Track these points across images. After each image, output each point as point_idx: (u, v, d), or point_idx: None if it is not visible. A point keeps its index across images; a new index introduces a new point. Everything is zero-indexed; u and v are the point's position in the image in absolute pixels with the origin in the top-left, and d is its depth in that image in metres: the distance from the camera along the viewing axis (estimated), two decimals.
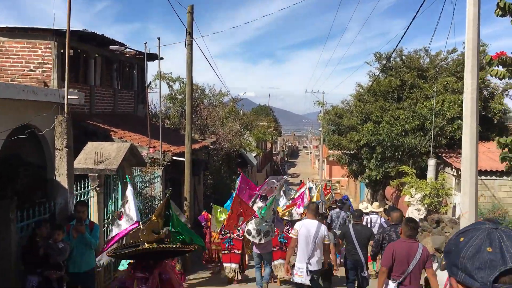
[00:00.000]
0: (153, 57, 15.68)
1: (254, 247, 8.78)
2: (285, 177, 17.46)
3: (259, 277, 8.81)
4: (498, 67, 5.63)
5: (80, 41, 12.17)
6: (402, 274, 5.49)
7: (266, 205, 8.79)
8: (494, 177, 15.70)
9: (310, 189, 14.45)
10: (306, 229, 6.97)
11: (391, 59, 20.77)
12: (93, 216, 7.60)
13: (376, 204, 12.65)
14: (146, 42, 11.47)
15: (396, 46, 15.63)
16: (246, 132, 24.15)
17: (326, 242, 7.06)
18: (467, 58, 8.76)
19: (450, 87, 18.66)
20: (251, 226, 8.52)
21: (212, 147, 16.70)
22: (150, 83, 18.25)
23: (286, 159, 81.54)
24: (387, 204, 21.02)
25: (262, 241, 8.50)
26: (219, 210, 10.03)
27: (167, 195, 5.43)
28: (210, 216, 10.75)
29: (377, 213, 11.58)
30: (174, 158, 11.42)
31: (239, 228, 9.21)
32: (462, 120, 17.50)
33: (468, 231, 1.29)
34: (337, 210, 12.01)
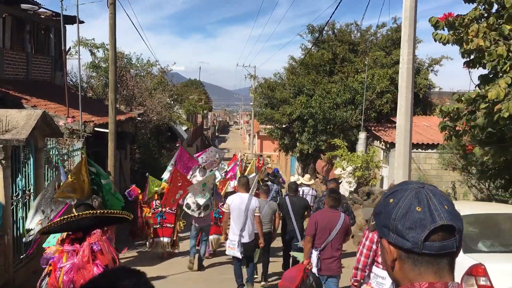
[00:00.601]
0: (73, 20, 14.26)
1: (193, 220, 8.87)
2: (224, 150, 17.32)
3: (193, 243, 8.91)
4: (444, 30, 5.41)
5: None
6: (324, 242, 5.73)
7: (204, 178, 8.85)
8: (420, 150, 16.22)
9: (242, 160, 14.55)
10: (238, 202, 7.10)
11: (324, 32, 20.67)
12: None
13: (307, 176, 12.97)
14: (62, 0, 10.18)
15: (330, 19, 15.44)
16: (176, 105, 23.18)
17: (257, 214, 7.17)
18: (404, 27, 8.62)
19: (379, 62, 18.92)
20: (190, 200, 8.56)
21: (140, 119, 15.69)
22: (70, 48, 16.68)
23: (217, 134, 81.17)
24: (317, 177, 21.25)
25: (202, 215, 8.61)
26: (153, 182, 9.99)
27: (82, 155, 5.11)
28: (139, 190, 10.72)
29: (308, 185, 11.81)
30: (96, 129, 10.46)
31: (173, 200, 9.14)
32: (390, 94, 18.00)
33: (396, 192, 1.28)
34: (269, 183, 11.85)
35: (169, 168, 10.55)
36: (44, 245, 5.13)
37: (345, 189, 15.20)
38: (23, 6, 12.37)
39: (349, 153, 14.52)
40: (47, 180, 8.62)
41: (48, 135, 8.10)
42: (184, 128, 26.81)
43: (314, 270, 5.75)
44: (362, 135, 15.92)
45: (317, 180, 20.76)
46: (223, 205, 8.83)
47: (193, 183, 9.12)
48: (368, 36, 21.03)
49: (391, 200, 1.26)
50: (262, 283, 8.05)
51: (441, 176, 15.67)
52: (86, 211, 3.90)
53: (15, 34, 12.80)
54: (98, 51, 18.90)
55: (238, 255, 7.02)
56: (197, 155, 11.71)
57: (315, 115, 17.12)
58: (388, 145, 16.26)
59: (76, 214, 3.89)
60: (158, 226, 9.70)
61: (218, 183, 10.12)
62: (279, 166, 37.08)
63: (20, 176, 7.42)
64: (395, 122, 19.51)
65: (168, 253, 9.91)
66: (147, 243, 10.29)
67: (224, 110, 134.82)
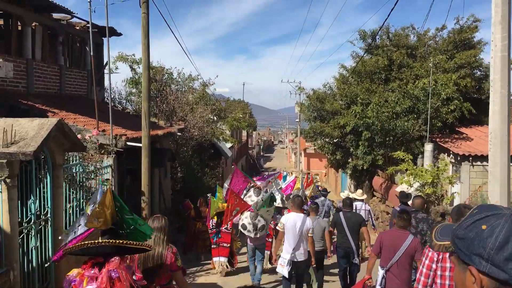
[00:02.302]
0: (110, 32, 13.42)
1: (248, 240, 8.82)
2: (277, 172, 17.25)
3: (253, 269, 8.88)
4: None
5: (10, 2, 9.85)
6: (389, 261, 5.71)
7: (262, 200, 9.03)
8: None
9: (285, 177, 15.63)
10: (292, 222, 7.17)
11: (377, 37, 18.98)
12: (1, 219, 5.43)
13: (359, 191, 12.57)
14: (90, 1, 9.11)
15: (384, 23, 13.81)
16: (219, 121, 21.99)
17: (310, 235, 7.28)
18: (496, 5, 6.90)
19: (441, 67, 17.00)
20: (246, 220, 8.57)
21: (180, 134, 14.50)
22: (107, 62, 15.88)
23: (261, 153, 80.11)
24: (375, 196, 19.29)
25: (258, 235, 8.60)
26: (214, 202, 9.90)
27: (107, 186, 5.02)
28: (192, 205, 12.07)
29: (362, 200, 11.66)
30: (129, 143, 9.26)
31: (235, 222, 9.22)
32: (457, 100, 15.97)
33: (489, 218, 1.23)
34: (322, 198, 12.32)
35: (226, 186, 10.67)
36: None
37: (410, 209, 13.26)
38: (55, 15, 11.55)
39: (415, 167, 12.64)
40: (70, 202, 7.43)
41: (68, 149, 6.92)
42: (228, 145, 25.59)
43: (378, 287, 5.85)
44: (428, 147, 13.98)
45: (374, 198, 18.79)
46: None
47: (248, 203, 9.21)
48: (427, 40, 19.13)
49: (484, 227, 1.22)
50: None
51: None
52: (106, 240, 3.91)
53: (46, 46, 12.00)
54: (139, 67, 18.10)
55: (286, 273, 7.13)
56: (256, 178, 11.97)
57: (371, 126, 15.35)
58: (458, 158, 14.23)
59: (96, 241, 3.88)
60: (214, 246, 9.84)
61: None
62: (328, 185, 35.11)
63: (33, 197, 6.22)
64: (461, 133, 17.50)
65: (225, 272, 9.87)
66: (202, 256, 11.35)
67: (269, 130, 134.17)
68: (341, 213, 8.42)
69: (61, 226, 6.81)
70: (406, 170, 12.35)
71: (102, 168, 8.54)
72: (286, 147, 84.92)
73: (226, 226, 9.54)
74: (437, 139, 15.56)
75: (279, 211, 10.11)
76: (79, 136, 7.95)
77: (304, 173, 26.39)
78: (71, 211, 7.42)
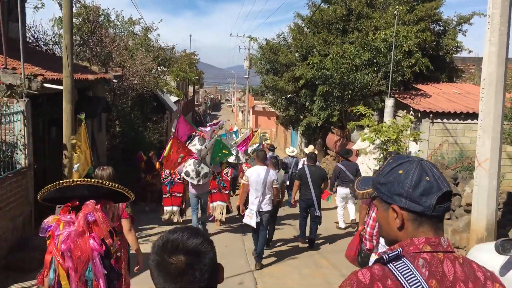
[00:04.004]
0: None
1: (191, 187, 9.06)
2: (223, 121, 17.07)
3: (195, 220, 9.11)
4: None
5: None
6: None
7: (206, 147, 9.03)
8: (457, 120, 13.46)
9: (236, 132, 15.65)
10: (256, 174, 7.50)
11: None
12: None
13: (311, 146, 13.68)
14: None
15: None
16: (162, 73, 20.01)
17: (275, 186, 7.59)
18: None
19: (400, 19, 15.95)
20: (190, 167, 8.81)
21: (116, 81, 12.63)
22: None
23: (208, 111, 78.31)
24: (328, 154, 18.47)
25: (201, 182, 8.84)
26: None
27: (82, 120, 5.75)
28: (144, 157, 12.59)
29: (293, 156, 13.11)
30: (47, 85, 7.48)
31: (179, 172, 9.38)
32: (419, 53, 15.08)
33: (403, 164, 1.49)
34: (271, 153, 12.57)
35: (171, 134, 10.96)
36: None
37: (368, 167, 12.43)
38: None
39: (375, 122, 11.66)
40: None
41: None
42: (174, 99, 23.73)
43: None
44: (389, 102, 13.05)
45: (328, 157, 17.96)
46: (228, 173, 10.21)
47: (193, 151, 9.26)
48: None
49: (401, 171, 1.48)
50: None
51: None
52: (83, 179, 3.62)
53: None
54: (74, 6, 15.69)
55: (254, 224, 7.43)
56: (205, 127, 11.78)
57: (330, 78, 14.18)
58: (419, 115, 13.47)
59: (70, 180, 3.59)
60: (167, 195, 10.06)
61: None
62: (277, 143, 34.26)
63: None
64: (419, 90, 16.83)
65: (173, 221, 10.11)
66: (147, 208, 11.84)
67: (216, 87, 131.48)
68: (306, 166, 9.03)
69: None
70: (368, 126, 11.34)
71: (8, 114, 6.78)
72: (233, 105, 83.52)
73: (179, 177, 9.67)
74: (395, 95, 14.71)
75: (234, 167, 10.86)
76: None
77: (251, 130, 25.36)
78: None
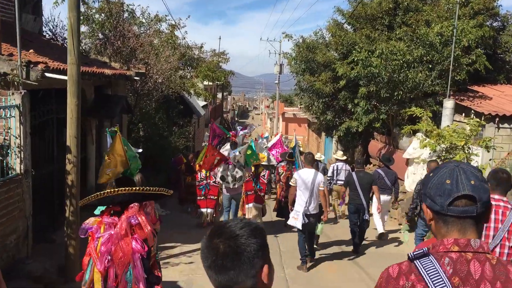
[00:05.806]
0: None
1: (225, 190, 9.57)
2: (254, 125, 16.87)
3: (226, 218, 9.37)
4: None
5: None
6: None
7: (240, 153, 9.33)
8: None
9: (266, 137, 15.72)
10: (305, 177, 7.60)
11: None
12: None
13: (340, 152, 13.31)
14: None
15: None
16: (189, 73, 18.69)
17: (321, 188, 7.65)
18: None
19: (454, 12, 14.17)
20: (224, 172, 9.24)
21: (138, 79, 11.29)
22: None
23: (236, 119, 77.35)
24: (371, 162, 16.72)
25: (236, 185, 9.36)
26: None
27: (116, 131, 5.17)
28: (184, 159, 12.81)
29: (342, 161, 12.18)
30: (49, 75, 6.15)
31: (214, 175, 9.79)
32: (480, 49, 13.25)
33: (438, 169, 1.62)
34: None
35: (205, 143, 11.03)
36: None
37: (421, 178, 10.67)
38: None
39: (435, 127, 9.94)
40: None
41: None
42: (202, 103, 22.40)
43: None
44: (449, 104, 11.27)
45: (370, 166, 16.21)
46: (265, 176, 10.66)
47: (228, 157, 9.46)
48: None
49: (431, 174, 1.62)
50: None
51: None
52: (122, 188, 3.66)
53: None
54: (94, 1, 14.59)
55: (299, 226, 7.47)
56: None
57: (377, 77, 12.53)
58: (483, 119, 11.63)
59: (111, 190, 3.65)
60: (202, 197, 10.31)
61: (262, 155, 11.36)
62: (309, 151, 32.59)
63: None
64: (476, 92, 14.92)
65: (208, 222, 10.22)
66: (189, 209, 11.84)
67: (244, 95, 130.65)
68: (353, 173, 9.08)
69: None
70: (426, 130, 9.65)
71: (2, 108, 5.45)
72: (262, 113, 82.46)
73: (214, 180, 10.01)
74: (454, 97, 12.91)
75: (269, 169, 11.62)
76: None
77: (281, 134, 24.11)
78: None
